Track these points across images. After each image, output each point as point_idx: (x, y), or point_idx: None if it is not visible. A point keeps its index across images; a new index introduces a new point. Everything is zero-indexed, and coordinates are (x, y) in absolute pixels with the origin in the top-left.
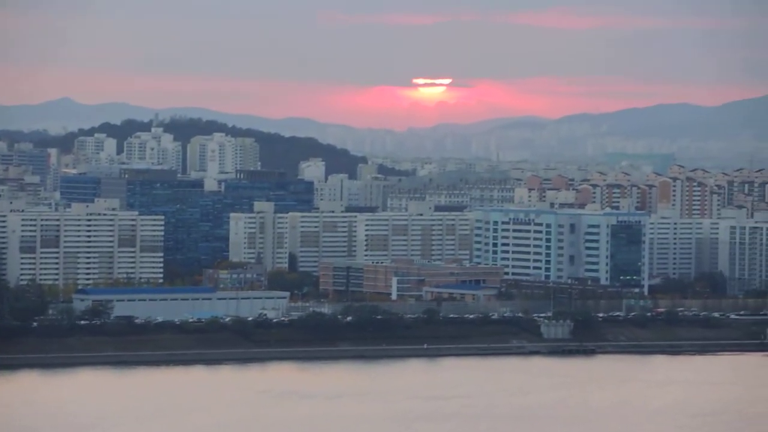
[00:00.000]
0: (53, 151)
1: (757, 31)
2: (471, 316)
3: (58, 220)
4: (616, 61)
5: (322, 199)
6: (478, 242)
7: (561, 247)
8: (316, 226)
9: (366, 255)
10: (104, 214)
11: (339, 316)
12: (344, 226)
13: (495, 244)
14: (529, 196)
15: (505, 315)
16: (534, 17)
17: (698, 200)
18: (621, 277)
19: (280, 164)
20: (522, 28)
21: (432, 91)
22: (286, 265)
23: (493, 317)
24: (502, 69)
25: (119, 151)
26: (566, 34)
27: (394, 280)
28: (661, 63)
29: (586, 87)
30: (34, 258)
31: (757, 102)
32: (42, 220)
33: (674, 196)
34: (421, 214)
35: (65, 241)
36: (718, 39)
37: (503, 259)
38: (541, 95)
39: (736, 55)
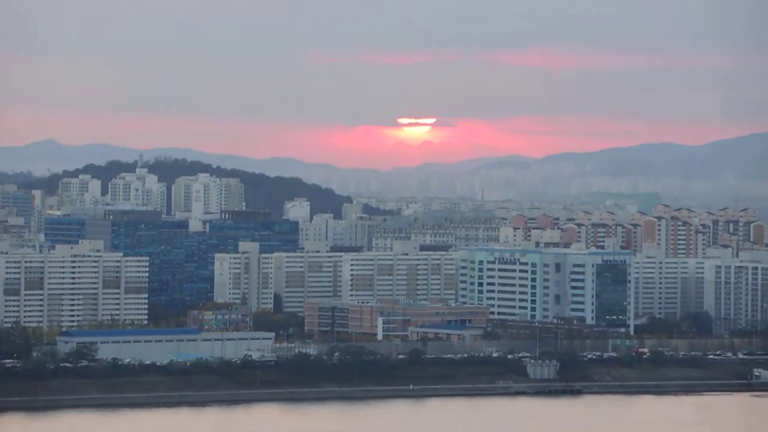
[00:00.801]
0: (37, 193)
1: (740, 71)
2: (457, 357)
3: (42, 261)
4: (599, 100)
5: (307, 239)
6: (464, 282)
7: (546, 287)
8: (301, 267)
9: (351, 295)
10: (88, 256)
11: (324, 357)
12: (329, 266)
13: (480, 284)
14: (514, 236)
15: (492, 355)
16: (515, 56)
17: (683, 239)
18: (607, 317)
19: (264, 204)
20: (504, 67)
21: (416, 130)
22: (271, 306)
23: (479, 357)
24: (486, 108)
25: (104, 192)
26: (549, 73)
27: (380, 320)
28: (645, 102)
29: (569, 126)
30: (18, 300)
31: (740, 141)
32: (26, 261)
33: (659, 235)
34: (407, 254)
35: (49, 283)
36: (702, 78)
37: (489, 298)
38: (525, 134)
39: (720, 94)
